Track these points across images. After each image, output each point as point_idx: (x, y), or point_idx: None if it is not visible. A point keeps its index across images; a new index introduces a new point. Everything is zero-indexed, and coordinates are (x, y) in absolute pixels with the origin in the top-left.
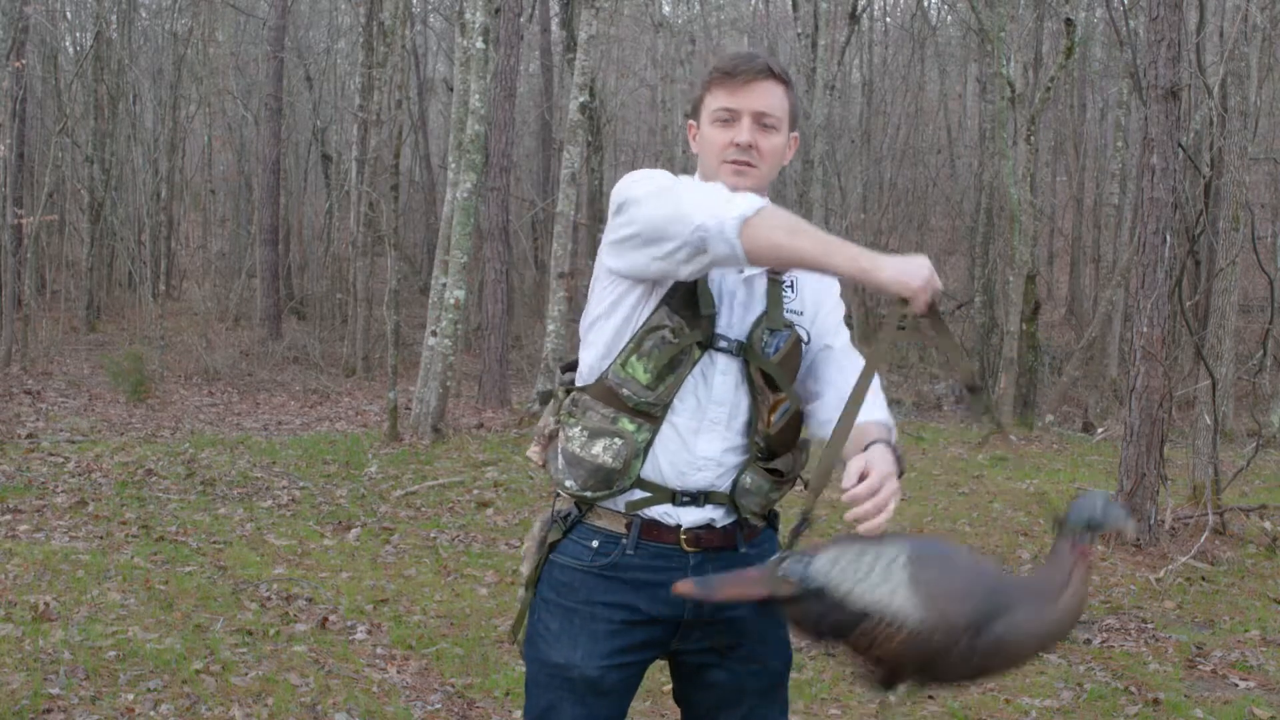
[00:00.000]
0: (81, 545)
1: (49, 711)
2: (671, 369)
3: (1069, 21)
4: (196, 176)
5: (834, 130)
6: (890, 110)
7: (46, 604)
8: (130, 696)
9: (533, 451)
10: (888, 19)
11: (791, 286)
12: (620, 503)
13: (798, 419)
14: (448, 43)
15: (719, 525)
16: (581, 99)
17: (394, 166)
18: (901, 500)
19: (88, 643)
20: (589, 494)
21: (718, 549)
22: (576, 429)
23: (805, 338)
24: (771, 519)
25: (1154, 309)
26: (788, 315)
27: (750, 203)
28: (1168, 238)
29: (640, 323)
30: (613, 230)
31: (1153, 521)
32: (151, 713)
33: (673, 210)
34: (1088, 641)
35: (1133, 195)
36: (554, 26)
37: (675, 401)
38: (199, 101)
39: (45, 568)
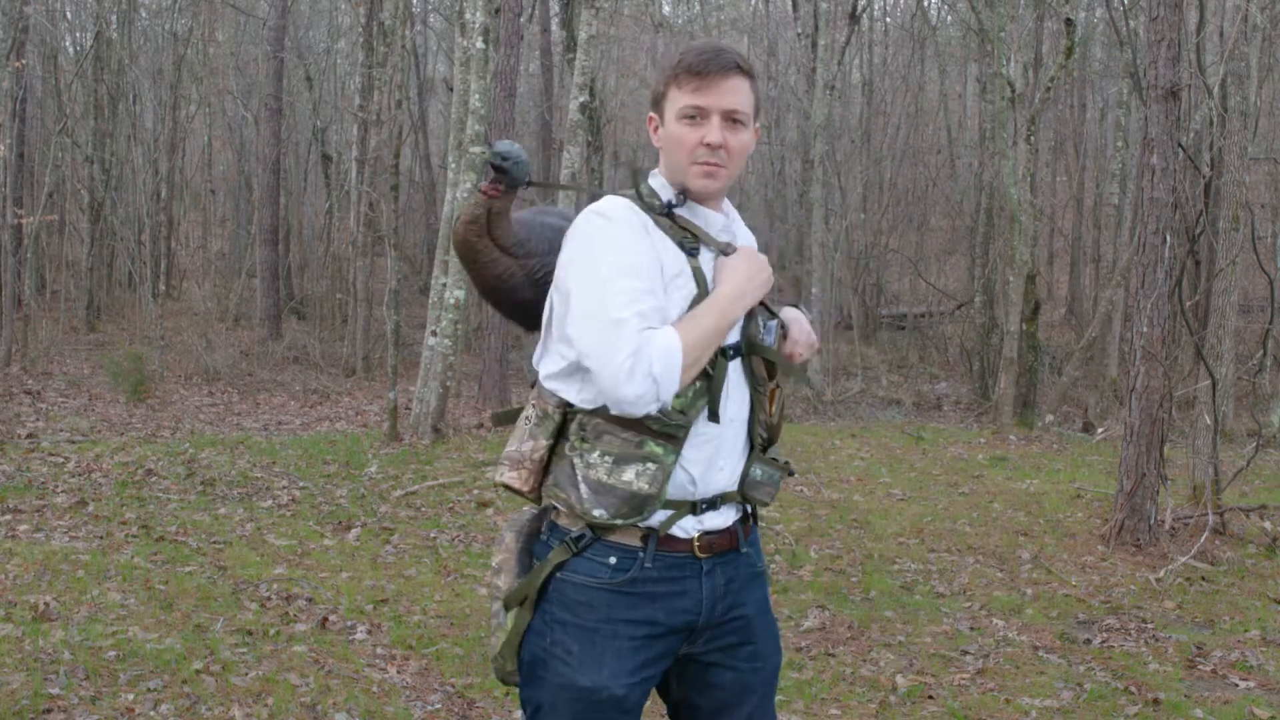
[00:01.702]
0: (81, 545)
1: (49, 711)
2: (705, 389)
3: (1069, 21)
4: (196, 176)
5: (834, 130)
6: (890, 110)
7: (46, 604)
8: (130, 696)
9: (510, 477)
10: (888, 19)
11: None
12: (646, 522)
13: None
14: (448, 43)
15: (726, 526)
16: (581, 99)
17: (394, 166)
18: (901, 500)
19: (88, 643)
20: (620, 521)
21: (724, 551)
22: (596, 454)
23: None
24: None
25: (1154, 309)
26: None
27: (662, 368)
28: (1168, 238)
29: None
30: (558, 325)
31: (1153, 521)
32: (151, 713)
33: (608, 386)
34: (1088, 641)
35: (1133, 195)
36: (554, 26)
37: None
38: (199, 101)
39: (45, 568)
